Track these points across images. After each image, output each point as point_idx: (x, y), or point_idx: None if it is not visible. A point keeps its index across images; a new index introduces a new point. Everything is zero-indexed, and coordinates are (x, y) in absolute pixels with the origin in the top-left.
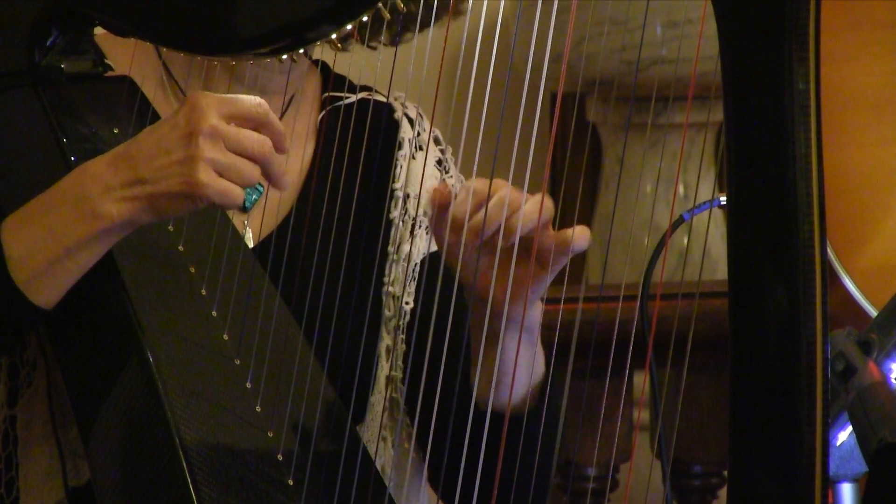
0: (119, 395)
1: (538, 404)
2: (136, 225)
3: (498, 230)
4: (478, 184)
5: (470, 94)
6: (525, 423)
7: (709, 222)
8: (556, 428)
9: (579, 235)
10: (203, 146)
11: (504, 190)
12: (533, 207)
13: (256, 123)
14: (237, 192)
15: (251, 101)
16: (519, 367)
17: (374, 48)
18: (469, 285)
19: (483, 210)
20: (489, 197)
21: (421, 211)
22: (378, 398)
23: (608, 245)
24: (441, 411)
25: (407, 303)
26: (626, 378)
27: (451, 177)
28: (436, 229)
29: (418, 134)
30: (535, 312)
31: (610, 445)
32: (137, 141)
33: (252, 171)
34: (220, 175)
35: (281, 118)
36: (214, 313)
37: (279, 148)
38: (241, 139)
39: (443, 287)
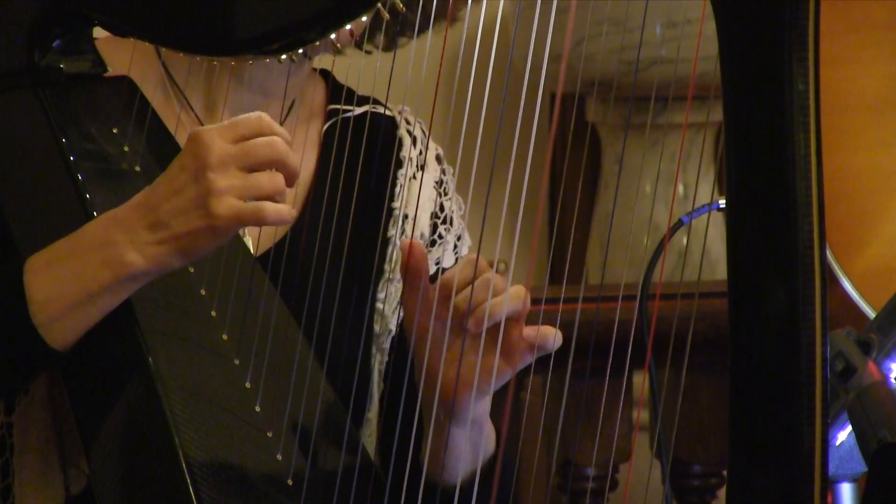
0: (118, 395)
1: (485, 486)
2: (164, 270)
3: (473, 314)
4: (464, 265)
5: (469, 95)
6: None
7: (707, 223)
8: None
9: (547, 335)
10: (213, 178)
11: (489, 273)
12: (513, 299)
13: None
14: (260, 208)
15: (251, 118)
16: (465, 450)
17: (369, 53)
18: (422, 366)
19: (461, 291)
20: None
21: (417, 233)
22: (375, 414)
23: (607, 245)
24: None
25: (391, 329)
26: (626, 378)
27: (450, 199)
28: (406, 299)
29: (420, 153)
30: (483, 404)
31: (609, 445)
32: (153, 187)
33: (273, 180)
34: (241, 197)
35: (281, 124)
36: (214, 313)
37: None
38: (249, 152)
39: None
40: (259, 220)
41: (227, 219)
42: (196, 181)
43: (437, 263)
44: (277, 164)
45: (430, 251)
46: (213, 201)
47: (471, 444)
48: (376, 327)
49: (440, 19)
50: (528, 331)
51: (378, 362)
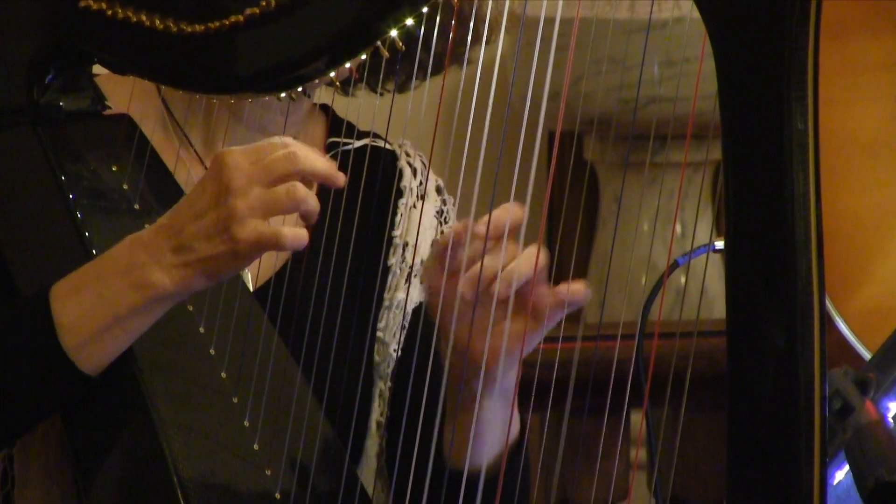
0: (116, 431)
1: (512, 467)
2: (190, 292)
3: (492, 280)
4: (479, 226)
5: (468, 132)
6: (502, 484)
7: (706, 262)
8: (527, 487)
9: (577, 290)
10: (234, 202)
11: (504, 241)
12: (528, 260)
13: None
14: (279, 234)
15: (274, 142)
16: (494, 428)
17: (383, 93)
18: (448, 338)
19: (478, 259)
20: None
21: (418, 260)
22: (372, 444)
23: (606, 284)
24: (417, 467)
25: (395, 350)
26: (624, 416)
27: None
28: (431, 276)
29: (421, 183)
30: (512, 375)
31: (607, 484)
32: (176, 208)
33: (291, 194)
34: (266, 216)
35: None
36: (212, 351)
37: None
38: (270, 168)
39: (429, 337)
40: (278, 246)
41: (249, 243)
42: (218, 205)
43: None
44: (300, 175)
45: None
46: (235, 226)
47: (499, 421)
48: (376, 356)
49: (453, 63)
50: (559, 289)
51: (379, 389)
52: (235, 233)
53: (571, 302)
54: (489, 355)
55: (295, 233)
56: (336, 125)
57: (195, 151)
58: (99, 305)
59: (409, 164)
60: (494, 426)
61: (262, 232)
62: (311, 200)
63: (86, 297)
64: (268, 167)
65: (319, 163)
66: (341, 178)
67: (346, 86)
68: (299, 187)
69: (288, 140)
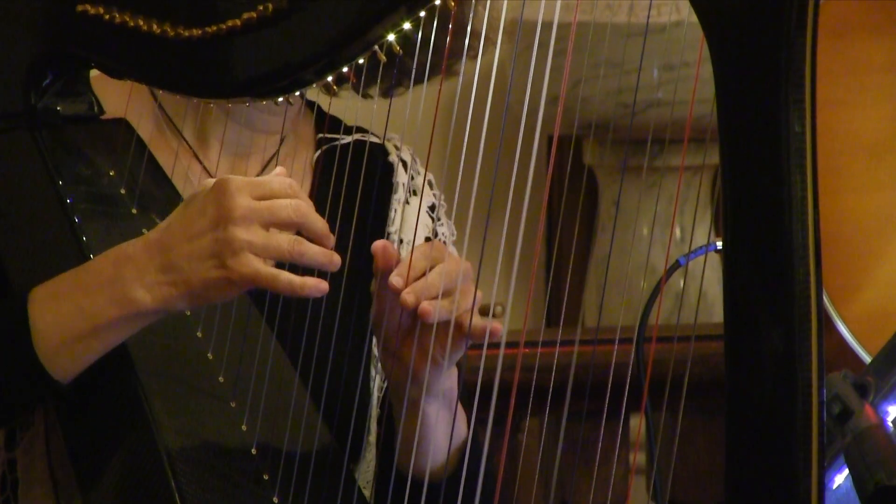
0: (115, 437)
1: (460, 467)
2: (171, 311)
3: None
4: (420, 251)
5: (466, 137)
6: (445, 487)
7: (704, 265)
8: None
9: (495, 328)
10: (234, 231)
11: (446, 266)
12: (467, 292)
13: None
14: (275, 277)
15: (278, 181)
16: (437, 432)
17: (369, 97)
18: (392, 350)
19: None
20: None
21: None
22: (374, 437)
23: (604, 288)
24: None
25: None
26: (622, 421)
27: (442, 224)
28: (379, 289)
29: (412, 178)
30: (451, 379)
31: (606, 488)
32: (169, 226)
33: (294, 246)
34: (259, 255)
35: (273, 158)
36: (210, 356)
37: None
38: (273, 210)
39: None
40: (272, 288)
41: (243, 275)
42: (215, 230)
43: None
44: (300, 227)
45: None
46: (231, 254)
47: (444, 422)
48: (375, 350)
49: (436, 73)
50: (477, 321)
51: (377, 386)
52: (230, 261)
53: (491, 333)
54: (418, 362)
55: (290, 280)
56: (322, 121)
57: (190, 147)
58: (76, 315)
59: (399, 158)
60: (437, 432)
61: (259, 270)
62: (319, 260)
63: (64, 305)
64: (272, 210)
65: (320, 223)
66: (332, 241)
67: (341, 87)
68: (305, 245)
69: (292, 183)
